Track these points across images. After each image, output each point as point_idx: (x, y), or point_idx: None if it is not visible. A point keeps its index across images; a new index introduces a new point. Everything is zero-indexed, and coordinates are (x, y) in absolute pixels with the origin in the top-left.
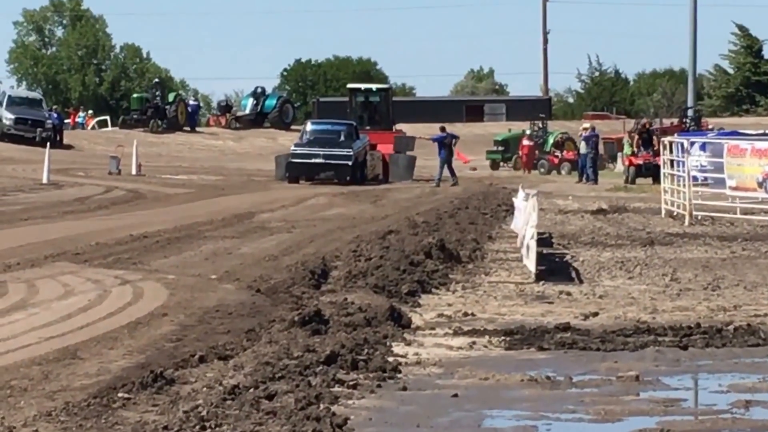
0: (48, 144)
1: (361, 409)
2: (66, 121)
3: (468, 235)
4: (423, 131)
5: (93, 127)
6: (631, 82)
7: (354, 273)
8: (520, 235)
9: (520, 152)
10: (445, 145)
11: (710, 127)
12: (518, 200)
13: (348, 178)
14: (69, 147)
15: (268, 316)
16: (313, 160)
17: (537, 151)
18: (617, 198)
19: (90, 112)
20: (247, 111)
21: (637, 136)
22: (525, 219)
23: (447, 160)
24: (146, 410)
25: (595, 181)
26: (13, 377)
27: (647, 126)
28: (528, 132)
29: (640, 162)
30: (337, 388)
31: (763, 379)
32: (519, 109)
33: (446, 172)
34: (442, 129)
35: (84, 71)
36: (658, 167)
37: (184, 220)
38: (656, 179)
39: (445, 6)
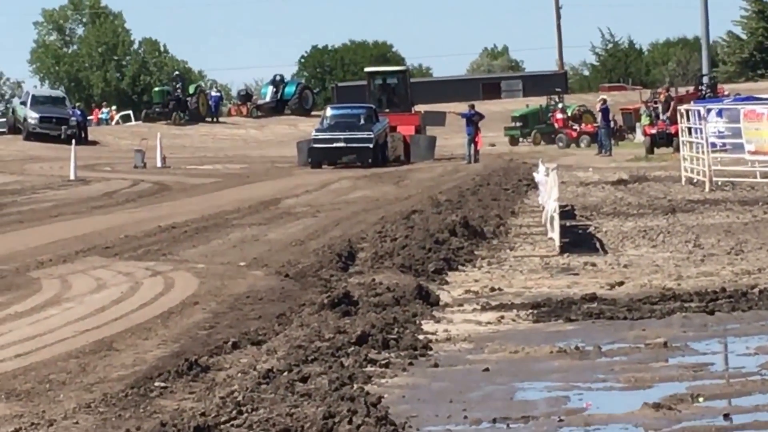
0: (73, 141)
1: (395, 387)
2: (89, 117)
3: (491, 211)
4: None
5: (117, 122)
6: (646, 53)
7: (380, 254)
8: (546, 209)
9: (555, 125)
10: (473, 122)
11: (726, 93)
12: (539, 175)
13: (370, 160)
14: (94, 143)
15: (298, 300)
16: (334, 145)
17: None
18: (637, 168)
19: (113, 107)
20: (268, 99)
21: (667, 104)
22: (548, 193)
23: (473, 137)
24: (183, 398)
25: (610, 151)
26: (51, 371)
27: (668, 91)
28: (560, 105)
29: (654, 131)
30: (369, 368)
31: None
32: (535, 84)
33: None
34: (471, 106)
35: (105, 67)
36: (671, 135)
37: (211, 209)
38: (671, 147)
39: None
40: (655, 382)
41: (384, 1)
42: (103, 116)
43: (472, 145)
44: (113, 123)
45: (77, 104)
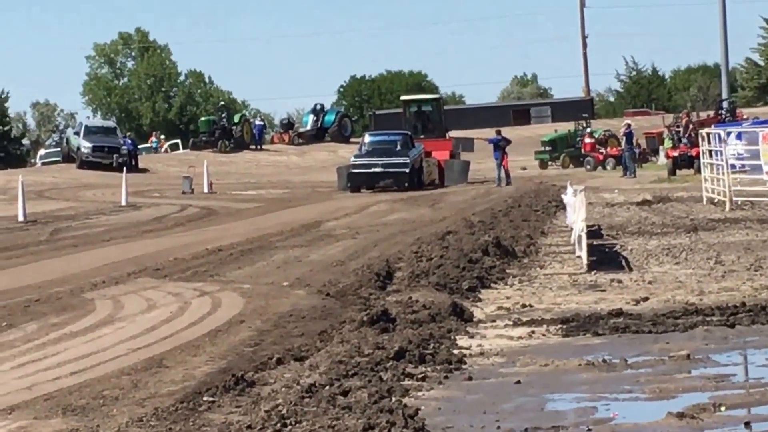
0: (124, 168)
1: (431, 399)
2: (145, 145)
3: (522, 232)
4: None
5: (166, 150)
6: (668, 79)
7: (417, 273)
8: (574, 228)
9: (584, 149)
10: (500, 147)
11: (745, 117)
12: (567, 196)
13: (406, 184)
14: (144, 170)
15: (339, 318)
16: (372, 170)
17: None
18: (660, 189)
19: (162, 137)
20: (308, 127)
21: (687, 127)
22: (576, 213)
23: (501, 161)
24: (230, 411)
25: (634, 174)
26: (105, 387)
27: (688, 115)
28: (589, 130)
29: (676, 154)
30: (407, 382)
31: None
32: (563, 110)
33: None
34: (498, 132)
35: (153, 99)
36: (692, 157)
37: (256, 232)
38: (693, 168)
39: (487, 17)
40: (679, 392)
41: (419, 33)
42: (153, 144)
43: (502, 168)
44: (162, 151)
45: (128, 134)
